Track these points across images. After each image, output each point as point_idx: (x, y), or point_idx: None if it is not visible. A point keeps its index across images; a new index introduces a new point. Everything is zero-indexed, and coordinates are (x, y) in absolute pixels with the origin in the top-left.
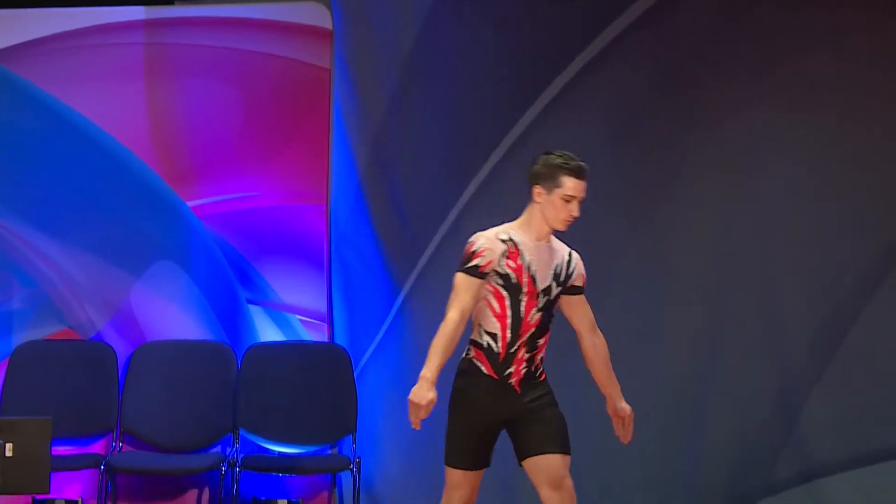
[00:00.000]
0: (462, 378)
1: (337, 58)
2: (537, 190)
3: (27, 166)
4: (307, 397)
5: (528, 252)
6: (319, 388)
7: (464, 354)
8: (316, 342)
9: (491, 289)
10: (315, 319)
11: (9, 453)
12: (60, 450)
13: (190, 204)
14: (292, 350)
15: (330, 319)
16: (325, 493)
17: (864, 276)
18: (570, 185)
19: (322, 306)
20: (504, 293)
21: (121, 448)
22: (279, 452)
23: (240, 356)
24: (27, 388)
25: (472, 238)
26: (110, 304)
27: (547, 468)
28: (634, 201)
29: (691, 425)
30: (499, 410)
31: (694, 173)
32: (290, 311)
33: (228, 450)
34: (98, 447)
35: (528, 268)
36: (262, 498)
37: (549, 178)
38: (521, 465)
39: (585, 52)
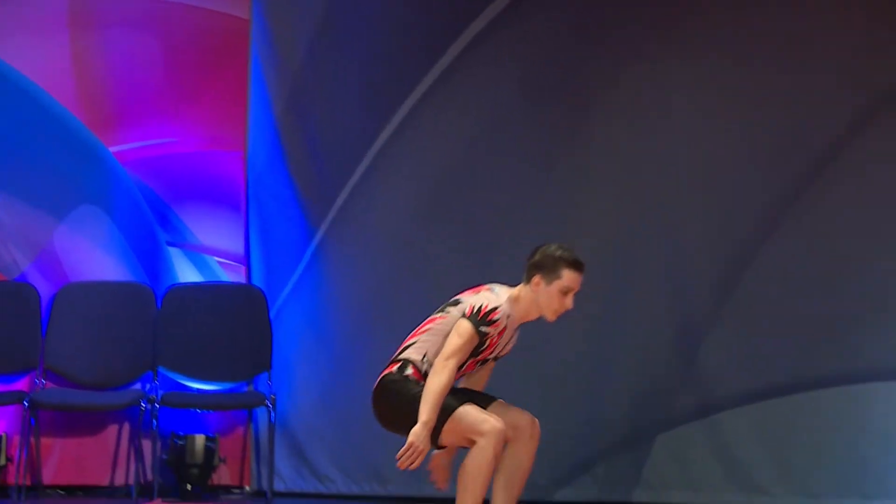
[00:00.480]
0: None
1: (255, 8)
2: (536, 280)
3: None
4: (225, 336)
5: (507, 332)
6: (236, 327)
7: (395, 369)
8: (233, 283)
9: None
10: (233, 261)
11: None
12: None
13: (112, 149)
14: (210, 291)
15: (247, 261)
16: (242, 429)
17: (763, 219)
18: (570, 276)
19: (239, 248)
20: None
21: (44, 385)
22: (197, 389)
23: (160, 297)
24: None
25: (495, 300)
26: (35, 245)
27: (502, 406)
28: (543, 147)
29: (595, 361)
30: None
31: (601, 120)
32: (209, 253)
33: (148, 387)
34: (22, 384)
35: (497, 346)
36: (181, 433)
37: (549, 270)
38: None
39: (498, 2)
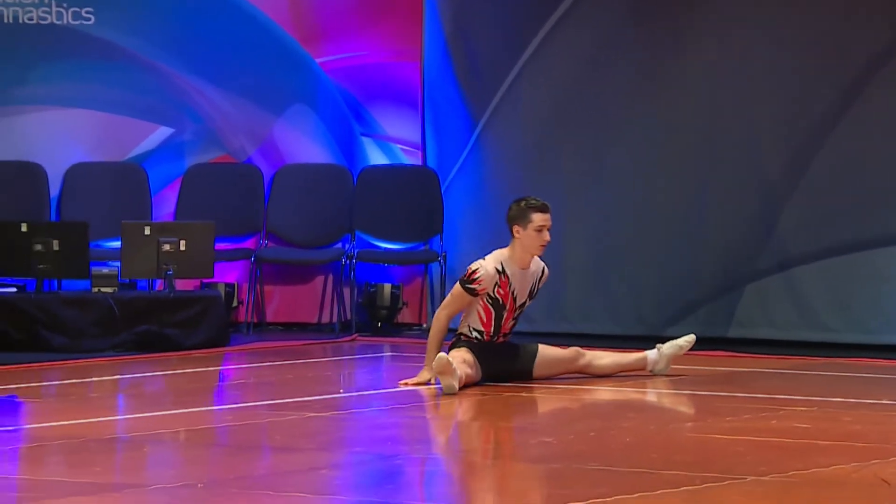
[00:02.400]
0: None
1: None
2: (516, 228)
3: (201, 32)
4: (406, 206)
5: (514, 282)
6: (415, 199)
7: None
8: (412, 165)
9: (481, 304)
10: (412, 147)
11: (182, 248)
12: (221, 246)
13: (318, 61)
14: (394, 171)
15: (423, 148)
16: (419, 279)
17: (827, 112)
18: (538, 218)
19: (417, 138)
20: (491, 309)
21: (266, 244)
22: (385, 248)
23: (355, 175)
24: (196, 200)
25: (477, 263)
26: (259, 136)
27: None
28: (646, 60)
29: (695, 227)
30: None
31: (694, 39)
32: (393, 142)
33: (347, 246)
34: (249, 244)
35: (514, 294)
36: (373, 282)
37: (522, 218)
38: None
39: None
